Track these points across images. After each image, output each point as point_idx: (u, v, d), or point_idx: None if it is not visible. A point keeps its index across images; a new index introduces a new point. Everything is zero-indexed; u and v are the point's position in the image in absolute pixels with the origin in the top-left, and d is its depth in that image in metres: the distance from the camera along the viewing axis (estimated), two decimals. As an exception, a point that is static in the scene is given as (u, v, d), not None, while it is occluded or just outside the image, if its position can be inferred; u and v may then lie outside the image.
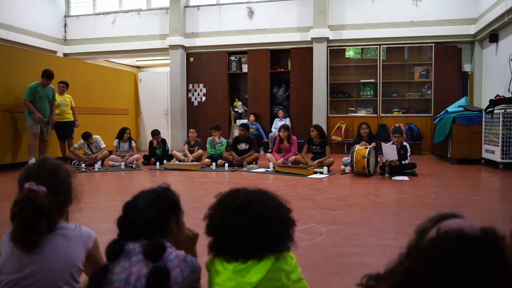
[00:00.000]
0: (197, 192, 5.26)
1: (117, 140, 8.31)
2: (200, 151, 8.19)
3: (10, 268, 1.46)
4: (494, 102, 6.97)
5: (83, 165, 7.53)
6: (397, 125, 8.98)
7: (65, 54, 11.90)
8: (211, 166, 7.55)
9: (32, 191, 1.45)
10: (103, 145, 8.17)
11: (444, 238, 0.87)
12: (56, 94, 8.03)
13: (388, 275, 0.91)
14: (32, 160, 7.28)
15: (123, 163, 7.71)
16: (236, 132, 9.65)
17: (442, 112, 8.47)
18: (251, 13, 10.84)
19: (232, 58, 11.05)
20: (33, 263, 1.45)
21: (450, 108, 8.35)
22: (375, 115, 10.12)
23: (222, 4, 11.10)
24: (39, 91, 7.34)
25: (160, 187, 1.55)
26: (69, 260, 1.50)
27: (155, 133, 8.34)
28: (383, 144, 6.28)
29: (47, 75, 7.41)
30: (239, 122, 10.57)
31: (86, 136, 7.97)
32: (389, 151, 6.14)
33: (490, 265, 0.80)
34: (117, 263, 1.42)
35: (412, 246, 0.92)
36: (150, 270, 1.37)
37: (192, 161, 7.88)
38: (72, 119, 8.23)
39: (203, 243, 1.46)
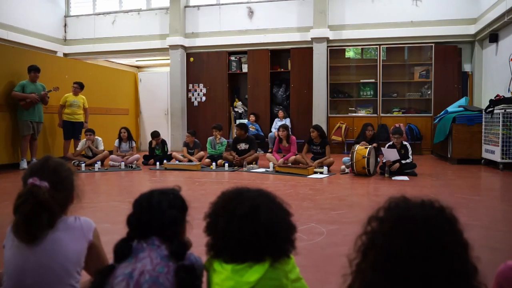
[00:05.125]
0: (197, 192, 5.26)
1: (117, 140, 8.35)
2: (202, 153, 8.17)
3: (14, 264, 1.50)
4: (494, 102, 6.97)
5: (83, 165, 7.54)
6: (397, 125, 9.00)
7: (65, 54, 11.90)
8: (211, 166, 7.55)
9: (35, 186, 1.50)
10: (101, 147, 8.17)
11: (393, 202, 1.03)
12: (70, 94, 8.16)
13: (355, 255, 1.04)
14: (24, 162, 7.30)
15: (123, 163, 7.71)
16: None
17: (442, 112, 8.47)
18: (251, 13, 10.84)
19: (232, 58, 11.05)
20: (36, 258, 1.49)
21: (450, 108, 8.35)
22: (375, 115, 10.12)
23: (222, 4, 11.10)
24: (28, 86, 7.32)
25: (173, 188, 1.59)
26: (70, 253, 1.53)
27: (155, 134, 8.33)
28: (383, 149, 6.29)
29: (33, 69, 7.36)
30: (238, 122, 10.57)
31: (88, 130, 8.06)
32: (391, 155, 6.17)
33: (431, 216, 0.97)
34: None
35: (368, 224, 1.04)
36: (179, 269, 1.39)
37: (190, 161, 7.90)
38: (82, 120, 8.31)
39: (202, 243, 1.46)
